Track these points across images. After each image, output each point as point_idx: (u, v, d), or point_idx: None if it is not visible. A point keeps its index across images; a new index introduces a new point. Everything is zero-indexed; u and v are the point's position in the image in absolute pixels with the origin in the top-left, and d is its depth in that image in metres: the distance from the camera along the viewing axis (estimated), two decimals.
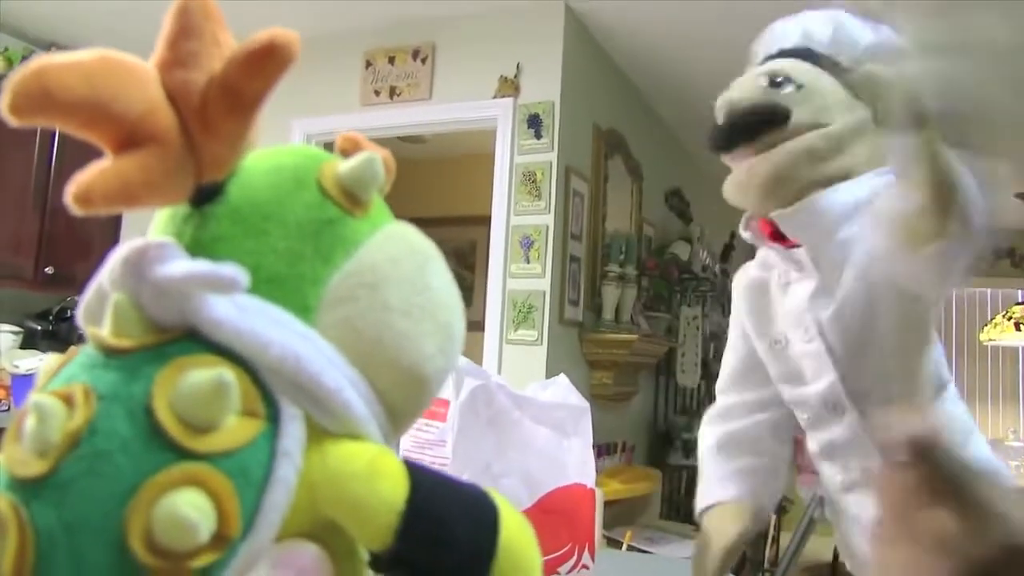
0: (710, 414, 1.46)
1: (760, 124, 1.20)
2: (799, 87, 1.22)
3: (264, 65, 0.56)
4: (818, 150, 1.19)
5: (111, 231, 4.58)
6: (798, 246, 1.25)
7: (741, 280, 1.41)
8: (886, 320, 1.19)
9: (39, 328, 4.38)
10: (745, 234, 1.34)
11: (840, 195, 1.18)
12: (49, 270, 4.27)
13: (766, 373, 1.38)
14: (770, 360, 1.35)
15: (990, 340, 5.98)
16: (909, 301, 1.17)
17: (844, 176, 1.19)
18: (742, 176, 1.22)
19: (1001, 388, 7.70)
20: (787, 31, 1.36)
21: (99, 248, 4.49)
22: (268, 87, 0.57)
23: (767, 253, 1.34)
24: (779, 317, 1.31)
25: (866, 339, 1.20)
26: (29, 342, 4.31)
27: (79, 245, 4.39)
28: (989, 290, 7.81)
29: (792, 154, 1.18)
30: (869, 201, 1.15)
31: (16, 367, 3.88)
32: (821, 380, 1.25)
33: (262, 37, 0.55)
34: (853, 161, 1.20)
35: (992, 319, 6.09)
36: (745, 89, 1.25)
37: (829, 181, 1.19)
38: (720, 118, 1.26)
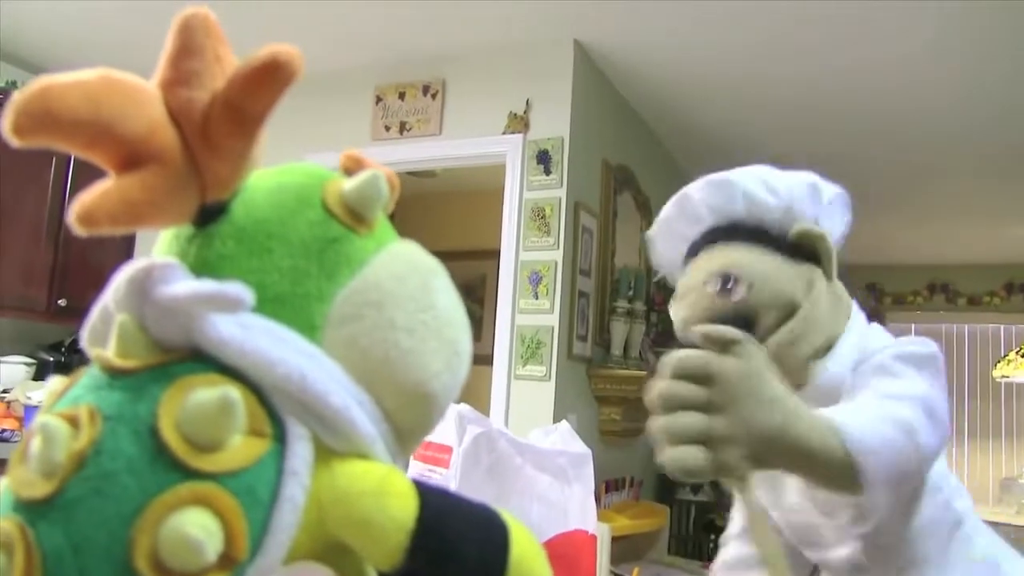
0: (723, 562, 1.43)
1: None
2: (750, 285, 1.17)
3: (266, 82, 0.55)
4: (800, 335, 1.15)
5: (124, 262, 4.56)
6: None
7: None
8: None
9: (52, 359, 4.39)
10: None
11: (833, 366, 1.16)
12: (62, 302, 4.28)
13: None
14: (786, 525, 1.31)
15: (1003, 377, 5.92)
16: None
17: (827, 344, 1.17)
18: None
19: (1015, 425, 7.63)
20: (698, 213, 1.29)
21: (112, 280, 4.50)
22: (271, 104, 0.57)
23: None
24: (791, 485, 1.26)
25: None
26: (42, 373, 4.32)
27: (92, 276, 4.41)
28: (1002, 326, 7.77)
29: (779, 345, 1.14)
30: (860, 355, 1.15)
31: (29, 398, 3.89)
32: (844, 546, 1.22)
33: (264, 54, 0.55)
34: (831, 327, 1.18)
35: (1005, 355, 6.04)
36: (698, 304, 1.20)
37: (816, 354, 1.16)
38: (680, 334, 1.22)
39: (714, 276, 1.19)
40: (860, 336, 1.20)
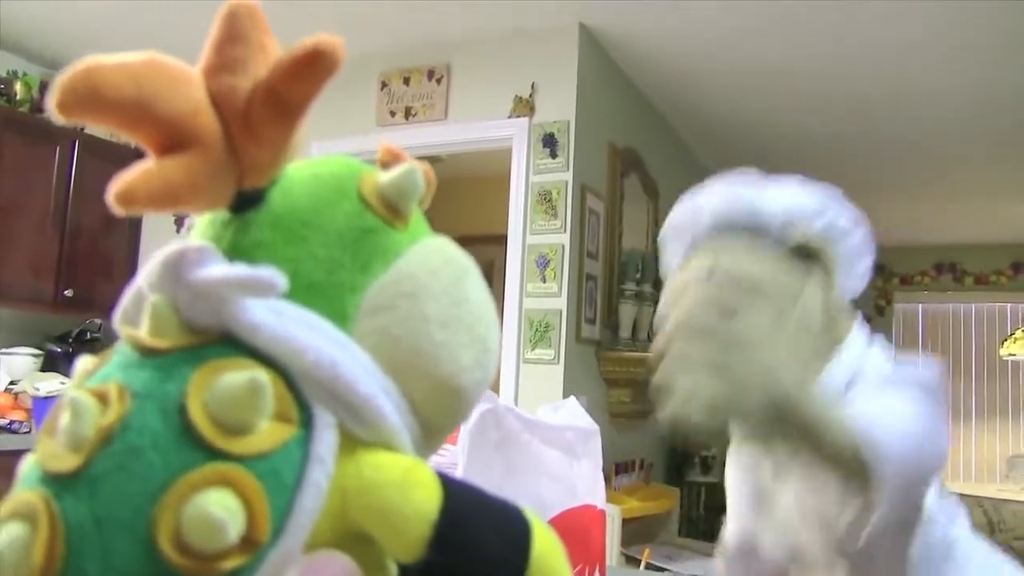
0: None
1: None
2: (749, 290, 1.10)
3: (309, 71, 0.56)
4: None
5: (130, 253, 4.61)
6: None
7: (734, 462, 1.32)
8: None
9: (59, 350, 4.40)
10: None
11: (825, 383, 1.09)
12: (69, 292, 4.29)
13: None
14: (773, 545, 1.27)
15: (1010, 355, 5.95)
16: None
17: (817, 360, 1.11)
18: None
19: (1021, 403, 7.64)
20: (697, 220, 1.26)
21: (118, 270, 4.52)
22: (313, 93, 0.57)
23: None
24: (781, 508, 1.23)
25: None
26: (49, 365, 4.34)
27: (99, 267, 4.42)
28: (1009, 305, 7.77)
29: None
30: (856, 375, 1.09)
31: (37, 389, 3.90)
32: (834, 571, 1.17)
33: (307, 44, 0.55)
34: (820, 341, 1.11)
35: (1012, 334, 6.06)
36: (689, 299, 1.12)
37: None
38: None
39: (704, 270, 1.14)
40: (857, 356, 1.15)
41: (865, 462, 0.89)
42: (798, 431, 0.88)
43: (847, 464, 0.89)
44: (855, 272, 1.23)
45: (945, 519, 1.20)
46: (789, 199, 1.20)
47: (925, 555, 1.16)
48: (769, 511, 1.26)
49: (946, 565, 1.19)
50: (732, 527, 1.39)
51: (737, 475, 1.32)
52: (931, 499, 1.16)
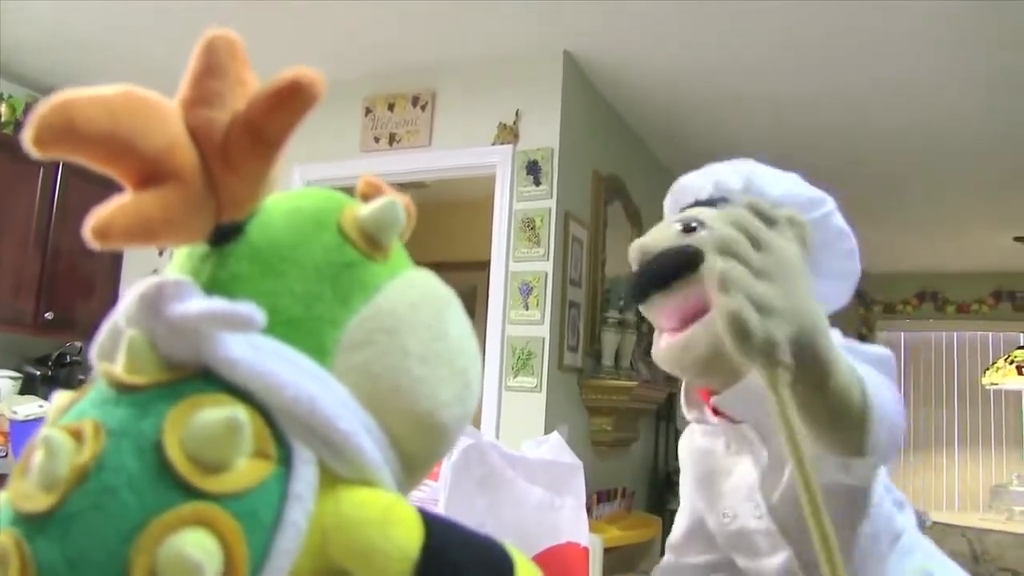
0: (663, 571, 1.41)
1: (673, 269, 1.11)
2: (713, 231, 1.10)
3: (287, 104, 0.55)
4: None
5: (112, 275, 4.58)
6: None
7: (686, 446, 1.34)
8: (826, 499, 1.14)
9: (38, 373, 4.36)
10: (686, 411, 1.28)
11: None
12: (49, 315, 4.26)
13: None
14: (720, 533, 1.29)
15: (992, 384, 5.96)
16: (838, 489, 1.11)
17: None
18: (676, 353, 1.11)
19: (1004, 432, 7.66)
20: (699, 184, 1.28)
21: (100, 292, 4.49)
22: (291, 126, 0.56)
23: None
24: (727, 490, 1.25)
25: None
26: (28, 387, 4.29)
27: (80, 289, 4.39)
28: (991, 333, 7.82)
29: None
30: None
31: (15, 413, 3.85)
32: (777, 555, 1.20)
33: (286, 76, 0.55)
34: None
35: (994, 363, 6.08)
36: (658, 235, 1.17)
37: None
38: (634, 265, 1.17)
39: (683, 219, 1.16)
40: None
41: (869, 404, 0.89)
42: (812, 362, 0.84)
43: (850, 406, 0.88)
44: (836, 248, 1.23)
45: (890, 504, 1.21)
46: (788, 185, 1.22)
47: (872, 537, 1.17)
48: (717, 491, 1.27)
49: (892, 553, 1.20)
50: (682, 509, 1.40)
51: (690, 457, 1.33)
52: (880, 481, 1.18)
